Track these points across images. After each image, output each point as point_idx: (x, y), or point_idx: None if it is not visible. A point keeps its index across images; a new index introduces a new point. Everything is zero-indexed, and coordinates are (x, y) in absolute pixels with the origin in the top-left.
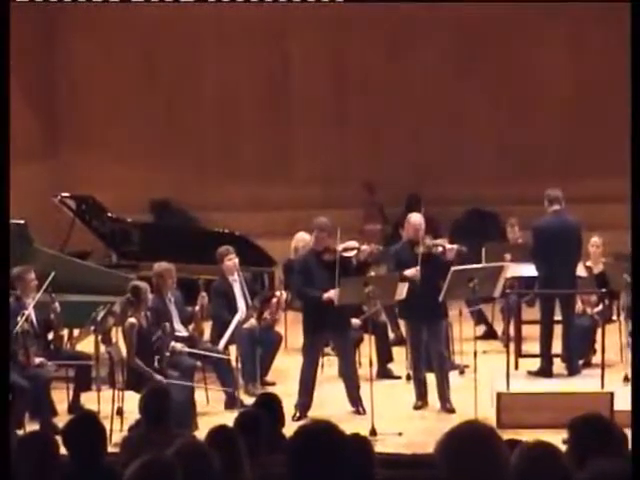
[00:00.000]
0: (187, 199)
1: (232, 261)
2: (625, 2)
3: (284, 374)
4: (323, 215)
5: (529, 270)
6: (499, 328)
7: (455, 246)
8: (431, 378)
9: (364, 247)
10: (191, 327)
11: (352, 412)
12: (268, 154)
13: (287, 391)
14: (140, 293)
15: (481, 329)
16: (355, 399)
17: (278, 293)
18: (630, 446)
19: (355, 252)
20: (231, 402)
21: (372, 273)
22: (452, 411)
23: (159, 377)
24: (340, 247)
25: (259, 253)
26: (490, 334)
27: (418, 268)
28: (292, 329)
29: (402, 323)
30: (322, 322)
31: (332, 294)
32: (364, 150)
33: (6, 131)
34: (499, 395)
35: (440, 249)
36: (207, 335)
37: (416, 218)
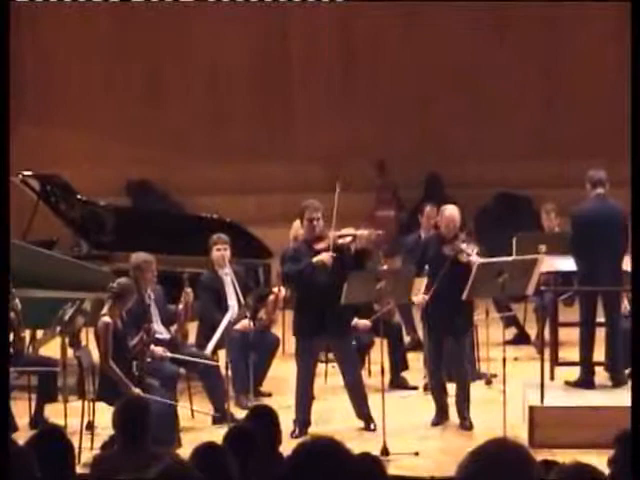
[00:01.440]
0: (170, 180)
1: (222, 252)
2: (625, 2)
3: (282, 383)
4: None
5: (567, 264)
6: (532, 331)
7: (478, 259)
8: (453, 390)
9: (360, 232)
10: (174, 328)
11: (361, 428)
12: (263, 129)
13: (285, 403)
14: (126, 293)
15: (511, 332)
16: (363, 413)
17: (275, 289)
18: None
19: (351, 239)
20: (220, 416)
21: (384, 266)
22: (469, 428)
23: (136, 387)
24: (334, 234)
25: (253, 243)
26: (521, 338)
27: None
28: (292, 331)
29: (419, 326)
30: (317, 322)
31: (325, 257)
32: (374, 124)
33: (6, 131)
34: (532, 409)
35: (465, 259)
36: (192, 338)
37: (452, 212)
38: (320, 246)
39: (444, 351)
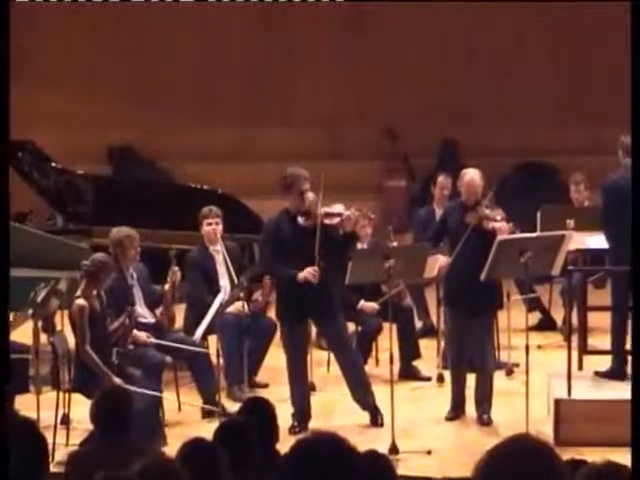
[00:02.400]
0: (156, 146)
1: (214, 226)
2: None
3: (279, 373)
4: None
5: (598, 241)
6: (558, 316)
7: (510, 225)
8: (471, 382)
9: (348, 212)
10: (159, 311)
11: (367, 424)
12: (259, 90)
13: (283, 395)
14: (101, 270)
15: (535, 317)
16: (367, 404)
17: None
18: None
19: (339, 220)
20: (210, 409)
21: (394, 243)
22: (488, 423)
23: (117, 377)
24: (322, 211)
25: (247, 216)
26: (547, 324)
27: (443, 260)
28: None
29: (432, 310)
30: (302, 305)
31: (310, 273)
32: (382, 86)
33: (6, 131)
34: (558, 402)
35: (490, 225)
36: (180, 322)
37: (473, 176)
38: (306, 222)
39: (467, 335)
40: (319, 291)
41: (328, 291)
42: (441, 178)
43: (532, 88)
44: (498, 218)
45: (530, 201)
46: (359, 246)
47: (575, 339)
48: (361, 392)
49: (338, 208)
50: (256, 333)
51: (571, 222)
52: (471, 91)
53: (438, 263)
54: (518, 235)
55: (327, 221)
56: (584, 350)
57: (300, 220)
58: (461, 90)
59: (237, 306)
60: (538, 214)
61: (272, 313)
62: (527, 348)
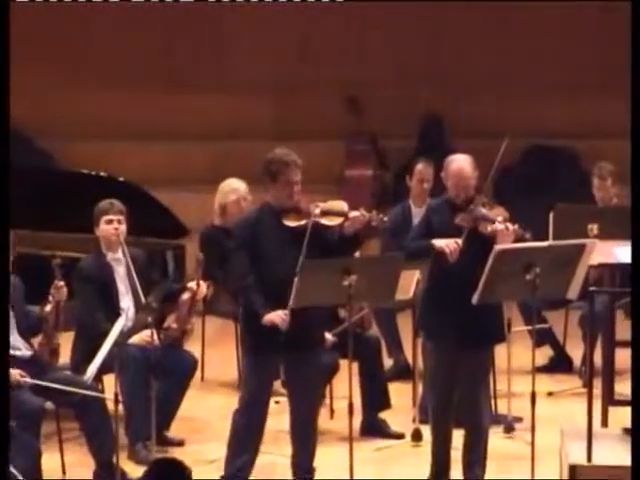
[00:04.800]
0: (34, 119)
1: (115, 225)
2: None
3: (199, 425)
4: (274, 149)
5: (630, 253)
6: (576, 353)
7: (515, 227)
8: (459, 440)
9: (357, 213)
10: (38, 341)
11: None
12: (179, 44)
13: (204, 455)
14: None
15: (545, 354)
16: (306, 467)
17: (191, 284)
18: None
19: (341, 220)
20: (105, 473)
21: (356, 254)
22: None
23: None
24: (317, 209)
25: (161, 214)
26: (560, 363)
27: (458, 241)
28: (216, 348)
29: (407, 342)
30: (275, 337)
31: (279, 318)
32: (346, 44)
33: (6, 130)
34: (574, 469)
35: (489, 229)
36: (66, 356)
37: (462, 163)
38: (293, 223)
39: (455, 377)
40: (302, 313)
41: (314, 313)
42: (420, 166)
43: (545, 54)
44: (499, 219)
45: (540, 197)
46: None
47: (598, 384)
48: (304, 451)
49: (339, 206)
50: (169, 372)
51: (594, 227)
52: (464, 52)
53: (415, 280)
54: (522, 244)
55: (325, 221)
56: (610, 400)
57: (287, 219)
58: (450, 50)
59: (144, 336)
60: (550, 216)
61: (192, 345)
62: (533, 396)
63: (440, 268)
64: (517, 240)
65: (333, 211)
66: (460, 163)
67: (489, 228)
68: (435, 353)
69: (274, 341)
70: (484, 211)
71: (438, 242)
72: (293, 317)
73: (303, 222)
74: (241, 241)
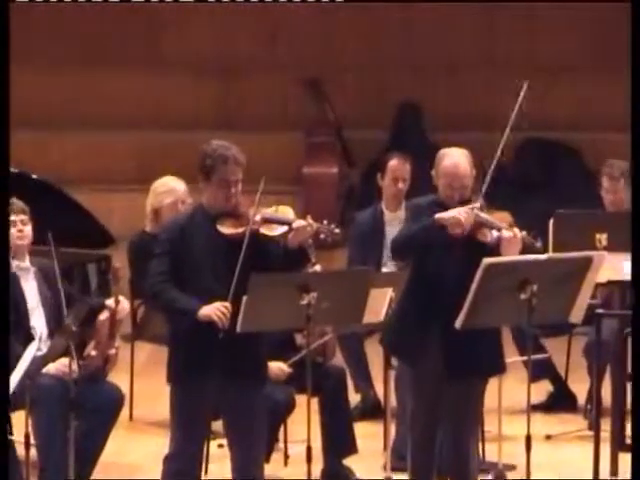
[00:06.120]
0: None
1: (19, 228)
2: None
3: (126, 472)
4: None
5: None
6: (580, 388)
7: (523, 234)
8: None
9: (299, 224)
10: None
11: None
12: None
13: None
14: None
15: (543, 389)
16: None
17: (109, 302)
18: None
19: (284, 230)
20: None
21: (316, 268)
22: None
23: None
24: (257, 216)
25: (79, 220)
26: (561, 400)
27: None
28: (147, 380)
29: (377, 375)
30: (208, 352)
31: (217, 311)
32: (305, 16)
33: (6, 130)
34: None
35: (495, 234)
36: None
37: (459, 160)
38: (229, 230)
39: (438, 415)
40: (235, 337)
41: (250, 339)
42: (394, 163)
43: (540, 28)
44: (504, 225)
45: (537, 202)
46: None
47: (607, 425)
48: None
49: (285, 213)
50: (91, 409)
51: (602, 237)
52: (445, 30)
53: (387, 300)
54: (517, 257)
55: (264, 230)
56: (620, 444)
57: (222, 226)
58: (429, 28)
59: (60, 365)
60: (550, 223)
61: (118, 376)
62: (528, 440)
63: (424, 278)
64: (525, 251)
65: (275, 219)
66: (455, 159)
67: (491, 236)
68: (415, 383)
69: (204, 366)
70: (486, 216)
71: (443, 214)
72: (233, 338)
73: (240, 230)
74: (166, 248)
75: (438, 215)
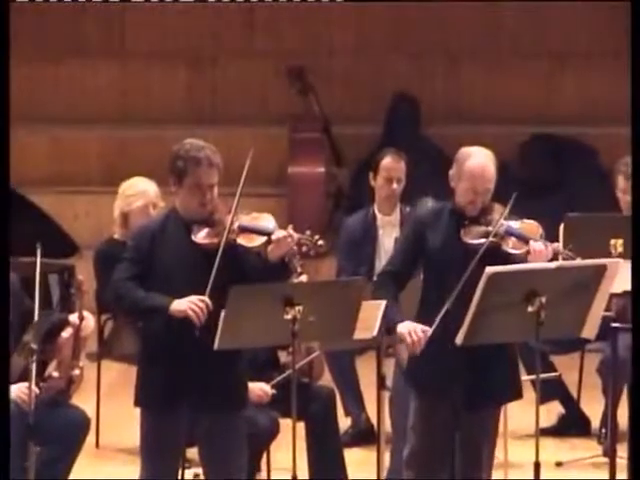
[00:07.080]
0: None
1: None
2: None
3: None
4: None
5: None
6: (593, 410)
7: (555, 246)
8: None
9: (279, 234)
10: None
11: None
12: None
13: None
14: None
15: (553, 412)
16: None
17: (73, 317)
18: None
19: (263, 241)
20: None
21: (302, 278)
22: None
23: None
24: (235, 224)
25: (40, 226)
26: (573, 423)
27: (426, 330)
28: (114, 402)
29: (370, 396)
30: (182, 370)
31: (192, 305)
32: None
33: (6, 131)
34: None
35: (513, 249)
36: None
37: (486, 162)
38: (204, 239)
39: (448, 444)
40: (210, 353)
41: (229, 357)
42: (388, 161)
43: (547, 14)
44: (534, 236)
45: (546, 204)
46: None
47: (623, 451)
48: None
49: (265, 222)
50: (53, 436)
51: (618, 243)
52: (443, 17)
53: (381, 313)
54: (521, 266)
55: (242, 240)
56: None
57: (196, 235)
58: (426, 14)
59: (17, 389)
60: (560, 228)
61: (83, 398)
62: (537, 467)
63: (441, 295)
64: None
65: (254, 228)
66: (482, 159)
67: (513, 249)
68: (422, 417)
69: (178, 387)
70: (517, 224)
71: (403, 326)
72: (210, 356)
73: (216, 240)
74: (134, 255)
75: (399, 326)
